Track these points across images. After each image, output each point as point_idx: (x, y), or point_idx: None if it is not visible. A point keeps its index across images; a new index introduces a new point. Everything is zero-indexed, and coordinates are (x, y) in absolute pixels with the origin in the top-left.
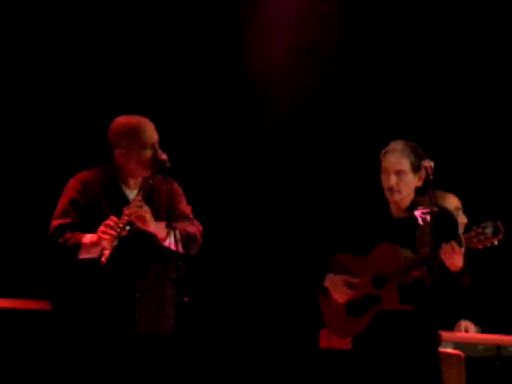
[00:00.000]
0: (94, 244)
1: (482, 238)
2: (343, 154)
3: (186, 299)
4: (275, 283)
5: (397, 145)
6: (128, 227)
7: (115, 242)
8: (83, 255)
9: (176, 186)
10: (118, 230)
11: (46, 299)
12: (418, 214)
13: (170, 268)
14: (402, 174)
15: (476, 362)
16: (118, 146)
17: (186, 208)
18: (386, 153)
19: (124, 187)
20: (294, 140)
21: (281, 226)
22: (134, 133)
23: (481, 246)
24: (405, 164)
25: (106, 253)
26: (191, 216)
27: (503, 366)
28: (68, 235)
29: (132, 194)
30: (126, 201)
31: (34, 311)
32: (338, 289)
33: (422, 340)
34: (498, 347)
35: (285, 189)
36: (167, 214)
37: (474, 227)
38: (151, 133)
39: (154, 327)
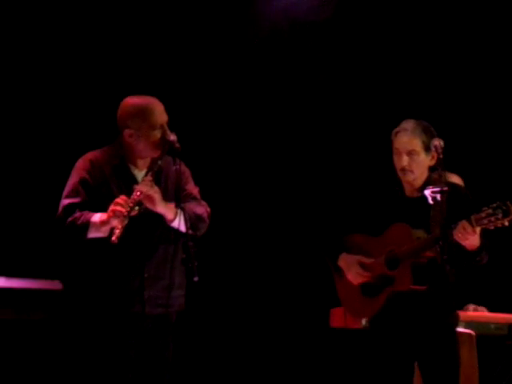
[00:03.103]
0: (103, 223)
1: (492, 219)
2: (357, 134)
3: (196, 279)
4: (286, 263)
5: (408, 124)
6: (137, 207)
7: (126, 222)
8: (92, 234)
9: (184, 166)
10: (128, 208)
11: (56, 279)
12: (427, 192)
13: (179, 248)
14: (413, 154)
15: (487, 340)
16: (127, 126)
17: (193, 189)
18: (397, 133)
19: (132, 167)
20: (308, 119)
21: (295, 206)
22: (144, 113)
23: (492, 227)
24: (416, 144)
25: (117, 232)
26: (199, 197)
27: None
28: (77, 214)
29: (140, 174)
30: (134, 181)
31: (44, 291)
32: (352, 269)
33: (437, 320)
34: (510, 326)
35: (299, 169)
36: (175, 195)
37: (484, 208)
38: (160, 113)
39: (163, 307)
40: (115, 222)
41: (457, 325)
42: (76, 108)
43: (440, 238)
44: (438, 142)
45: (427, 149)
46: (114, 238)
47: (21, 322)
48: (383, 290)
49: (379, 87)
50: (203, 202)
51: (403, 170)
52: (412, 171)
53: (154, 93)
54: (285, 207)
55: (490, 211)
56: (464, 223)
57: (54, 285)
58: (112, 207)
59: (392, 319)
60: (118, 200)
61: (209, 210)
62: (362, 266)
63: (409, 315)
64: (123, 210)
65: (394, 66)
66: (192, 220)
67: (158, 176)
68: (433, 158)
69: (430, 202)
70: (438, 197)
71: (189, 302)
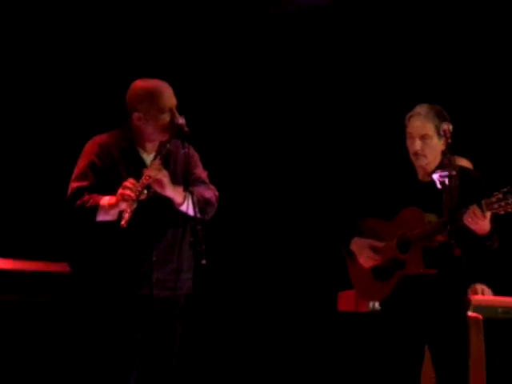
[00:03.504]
0: (112, 206)
1: (502, 203)
2: (371, 119)
3: (204, 262)
4: (293, 246)
5: (421, 109)
6: (146, 191)
7: (134, 205)
8: (101, 217)
9: (192, 150)
10: (137, 192)
11: (64, 261)
12: (436, 177)
13: (187, 232)
14: (426, 139)
15: (494, 324)
16: (136, 109)
17: (202, 173)
18: (410, 117)
19: (141, 151)
20: (322, 102)
21: (308, 191)
22: (153, 96)
23: (502, 212)
24: (429, 128)
25: (126, 216)
26: (207, 181)
27: None
28: (86, 197)
29: (149, 157)
30: (143, 165)
31: (52, 273)
32: (364, 253)
33: (448, 304)
34: None
35: (312, 153)
36: (184, 179)
37: (495, 193)
38: (170, 97)
39: (171, 290)
40: (124, 206)
41: (468, 309)
42: (85, 90)
43: (448, 223)
44: (446, 127)
45: (440, 133)
46: (123, 222)
47: (29, 305)
48: (394, 273)
49: (394, 72)
50: (212, 186)
51: (416, 154)
52: (425, 155)
53: (163, 76)
54: (296, 192)
55: (501, 196)
56: (474, 208)
57: (62, 267)
58: (121, 191)
59: (403, 302)
60: (127, 184)
61: (217, 193)
62: (374, 249)
63: (419, 298)
64: (132, 193)
65: (408, 50)
66: (200, 204)
67: (166, 160)
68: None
69: (438, 186)
70: (447, 181)
71: (196, 285)
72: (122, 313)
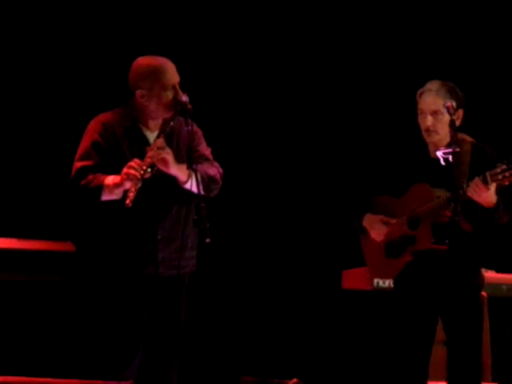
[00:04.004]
0: (116, 185)
1: (507, 174)
2: (381, 95)
3: (208, 240)
4: (297, 224)
5: (432, 85)
6: (150, 170)
7: (139, 184)
8: (105, 197)
9: (196, 127)
10: (142, 171)
11: (68, 240)
12: (439, 153)
13: (191, 209)
14: (438, 115)
15: (499, 301)
16: (139, 87)
17: (205, 150)
18: (421, 93)
19: (144, 129)
20: (334, 80)
21: (319, 168)
22: (156, 74)
23: (506, 183)
24: (441, 104)
25: (131, 195)
26: (211, 158)
27: None
28: (90, 177)
29: (152, 135)
30: (146, 143)
31: (57, 252)
32: (375, 228)
33: (461, 281)
34: None
35: (324, 130)
36: (187, 156)
37: (498, 164)
38: (173, 74)
39: (176, 269)
40: (128, 185)
41: (482, 286)
42: (87, 68)
43: (452, 200)
44: (450, 103)
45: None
46: (127, 201)
47: (33, 284)
48: (406, 249)
49: (405, 48)
50: (215, 163)
51: (427, 130)
52: (436, 131)
53: (165, 53)
54: (301, 169)
55: (505, 167)
56: (476, 180)
57: (67, 246)
58: (125, 170)
59: (416, 279)
60: (132, 163)
61: (221, 170)
62: (385, 225)
63: (432, 274)
64: (137, 173)
65: (419, 26)
66: (204, 181)
67: (169, 137)
68: (457, 118)
69: (442, 162)
70: (450, 158)
71: (200, 263)
72: (128, 292)
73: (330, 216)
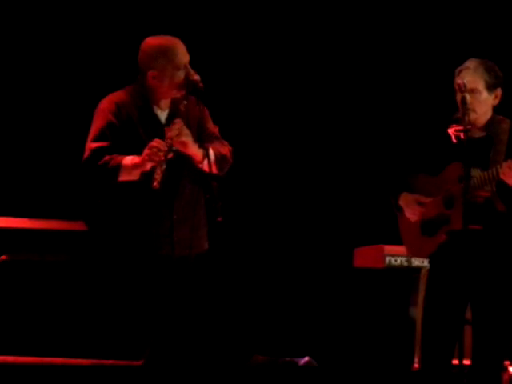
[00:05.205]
0: (136, 166)
1: None
2: (421, 75)
3: (220, 219)
4: (311, 203)
5: (471, 63)
6: (170, 150)
7: (164, 166)
8: (123, 177)
9: (202, 105)
10: (164, 152)
11: (80, 220)
12: (451, 131)
13: (203, 188)
14: (476, 93)
15: None
16: (151, 67)
17: (214, 128)
18: (460, 71)
19: (155, 108)
20: (362, 59)
21: (356, 149)
22: (168, 54)
23: None
24: (479, 83)
25: (158, 177)
26: (219, 136)
27: None
28: (107, 158)
29: (163, 114)
30: (158, 123)
31: (68, 232)
32: (410, 207)
33: (494, 261)
34: None
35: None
36: (198, 135)
37: None
38: (184, 53)
39: (190, 248)
40: (149, 166)
41: None
42: (91, 51)
43: (464, 178)
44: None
45: (490, 88)
46: (155, 183)
47: (45, 264)
48: (441, 228)
49: (443, 26)
50: (225, 142)
51: (463, 109)
52: (474, 110)
53: (168, 32)
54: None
55: None
56: (509, 162)
57: (79, 225)
58: (147, 151)
59: (450, 258)
60: (154, 143)
61: (231, 148)
62: (420, 204)
63: (466, 254)
64: (160, 153)
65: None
66: (218, 160)
67: (181, 117)
68: (496, 97)
69: (454, 140)
70: (462, 135)
71: (213, 242)
72: (143, 273)
73: (342, 194)
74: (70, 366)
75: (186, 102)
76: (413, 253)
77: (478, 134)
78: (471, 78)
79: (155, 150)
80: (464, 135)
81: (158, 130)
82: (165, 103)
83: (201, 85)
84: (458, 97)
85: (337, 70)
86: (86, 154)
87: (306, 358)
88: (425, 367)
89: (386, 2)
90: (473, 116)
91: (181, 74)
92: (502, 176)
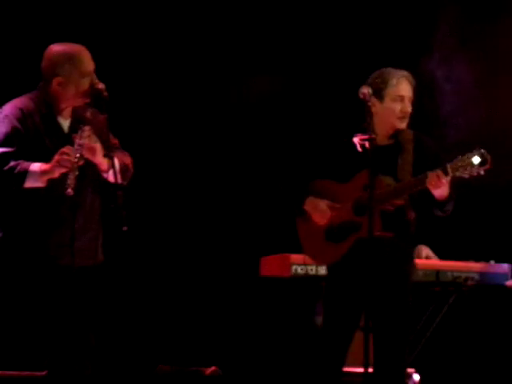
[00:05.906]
0: (45, 172)
1: (468, 167)
2: (329, 84)
3: (125, 228)
4: (215, 212)
5: (403, 72)
6: (82, 157)
7: (76, 172)
8: (29, 184)
9: (106, 115)
10: (76, 159)
11: None
12: (356, 140)
13: (103, 198)
14: (410, 102)
15: (415, 287)
16: (57, 74)
17: (114, 139)
18: (398, 79)
19: (59, 117)
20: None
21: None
22: (74, 60)
23: (467, 176)
24: (412, 91)
25: (72, 183)
26: (119, 146)
27: (442, 292)
28: (13, 163)
29: (65, 123)
30: (60, 130)
31: None
32: (319, 211)
33: (397, 268)
34: (437, 272)
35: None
36: (103, 145)
37: (459, 156)
38: (89, 61)
39: (92, 259)
40: (58, 173)
41: (413, 274)
42: None
43: (368, 186)
44: (366, 90)
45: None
46: (69, 189)
47: None
48: (349, 236)
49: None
50: (126, 152)
51: (405, 117)
52: (408, 118)
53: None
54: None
55: (466, 159)
56: (438, 172)
57: None
58: (58, 157)
59: (354, 266)
60: (65, 150)
61: (132, 159)
62: (330, 208)
63: (373, 262)
64: (73, 160)
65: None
66: (122, 170)
67: (83, 125)
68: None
69: (359, 149)
70: (367, 144)
71: (117, 252)
72: (42, 283)
73: (248, 203)
74: None
75: (91, 109)
76: (315, 259)
77: (386, 142)
78: (410, 86)
79: (66, 156)
80: (369, 144)
81: (61, 139)
82: (67, 112)
83: (105, 93)
84: (398, 105)
85: (242, 74)
86: None
87: (213, 368)
88: (315, 374)
89: None
90: (405, 124)
91: (86, 82)
92: (428, 185)
